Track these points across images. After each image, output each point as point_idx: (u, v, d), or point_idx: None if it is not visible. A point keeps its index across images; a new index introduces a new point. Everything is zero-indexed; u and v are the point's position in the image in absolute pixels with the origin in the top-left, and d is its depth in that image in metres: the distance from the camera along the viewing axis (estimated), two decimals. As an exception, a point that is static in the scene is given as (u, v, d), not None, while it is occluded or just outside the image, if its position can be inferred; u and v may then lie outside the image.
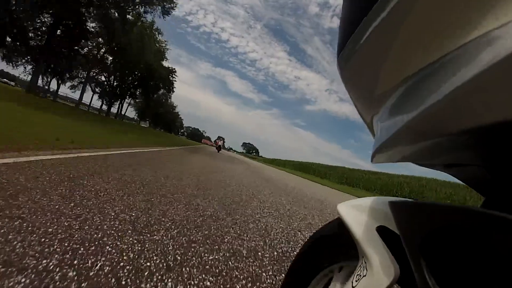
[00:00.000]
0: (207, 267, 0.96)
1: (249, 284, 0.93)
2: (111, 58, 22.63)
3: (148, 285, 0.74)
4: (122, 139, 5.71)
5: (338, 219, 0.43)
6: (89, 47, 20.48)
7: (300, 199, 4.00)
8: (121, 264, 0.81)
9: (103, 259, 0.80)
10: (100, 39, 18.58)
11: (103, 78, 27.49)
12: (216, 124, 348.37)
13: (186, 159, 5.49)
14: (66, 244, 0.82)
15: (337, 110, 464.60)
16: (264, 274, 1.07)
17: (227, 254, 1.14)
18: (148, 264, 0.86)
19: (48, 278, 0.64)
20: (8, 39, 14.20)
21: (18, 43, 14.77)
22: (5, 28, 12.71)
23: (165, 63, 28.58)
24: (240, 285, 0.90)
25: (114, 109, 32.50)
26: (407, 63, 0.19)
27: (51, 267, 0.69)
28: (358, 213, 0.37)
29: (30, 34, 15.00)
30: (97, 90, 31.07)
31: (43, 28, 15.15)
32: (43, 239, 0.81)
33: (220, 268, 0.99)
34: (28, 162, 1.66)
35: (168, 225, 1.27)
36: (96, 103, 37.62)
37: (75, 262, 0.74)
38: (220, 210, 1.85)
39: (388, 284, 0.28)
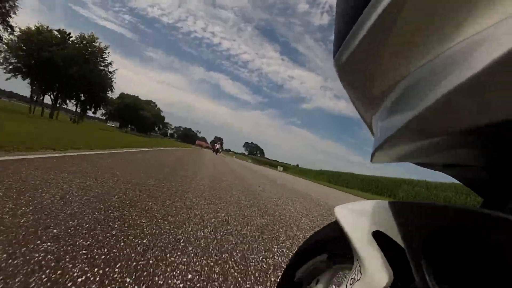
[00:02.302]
0: None
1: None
2: None
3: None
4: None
5: (335, 222, 0.48)
6: None
7: None
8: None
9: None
10: None
11: None
12: (212, 126, 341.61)
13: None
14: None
15: (332, 107, 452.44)
16: None
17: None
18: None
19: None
20: None
21: None
22: None
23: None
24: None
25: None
26: (406, 62, 0.21)
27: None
28: (355, 217, 0.41)
29: None
30: None
31: None
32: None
33: None
34: None
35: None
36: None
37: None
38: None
39: None
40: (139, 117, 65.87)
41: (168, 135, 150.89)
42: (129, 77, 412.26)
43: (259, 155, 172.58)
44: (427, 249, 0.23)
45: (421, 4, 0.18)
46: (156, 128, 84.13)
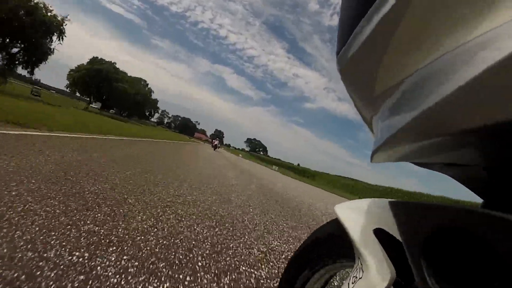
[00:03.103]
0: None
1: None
2: None
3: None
4: None
5: (336, 220, 0.48)
6: None
7: None
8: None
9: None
10: None
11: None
12: (212, 120, 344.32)
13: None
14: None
15: (335, 109, 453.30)
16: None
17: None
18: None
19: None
20: None
21: None
22: None
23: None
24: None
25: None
26: (407, 63, 0.22)
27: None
28: (355, 215, 0.42)
29: None
30: None
31: None
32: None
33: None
34: None
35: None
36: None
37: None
38: None
39: (383, 286, 0.31)
40: (112, 90, 42.66)
41: (165, 123, 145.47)
42: (132, 63, 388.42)
43: (262, 153, 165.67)
44: (427, 249, 0.23)
45: (424, 7, 0.19)
46: (148, 114, 69.51)
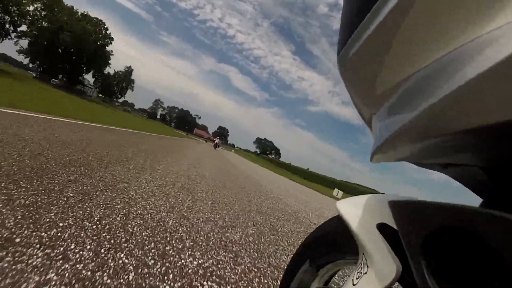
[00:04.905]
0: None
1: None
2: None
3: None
4: None
5: (337, 216, 0.51)
6: None
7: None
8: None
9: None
10: None
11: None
12: (217, 117, 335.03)
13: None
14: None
15: (339, 113, 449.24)
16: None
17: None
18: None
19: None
20: None
21: None
22: None
23: None
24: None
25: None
26: (408, 63, 0.23)
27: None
28: (357, 211, 0.43)
29: None
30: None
31: None
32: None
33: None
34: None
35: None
36: None
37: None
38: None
39: (389, 281, 0.32)
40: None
41: (159, 116, 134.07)
42: (137, 58, 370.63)
43: (273, 155, 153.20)
44: (427, 248, 0.24)
45: (426, 6, 0.19)
46: (115, 89, 51.06)
